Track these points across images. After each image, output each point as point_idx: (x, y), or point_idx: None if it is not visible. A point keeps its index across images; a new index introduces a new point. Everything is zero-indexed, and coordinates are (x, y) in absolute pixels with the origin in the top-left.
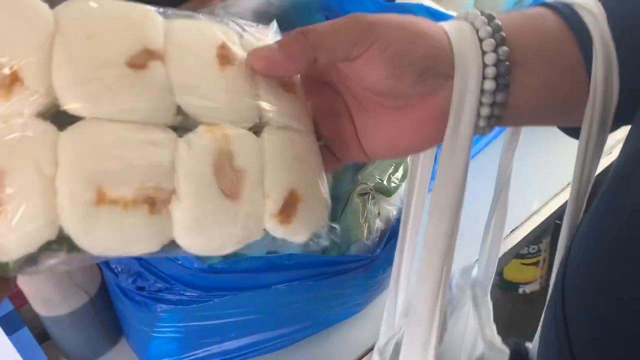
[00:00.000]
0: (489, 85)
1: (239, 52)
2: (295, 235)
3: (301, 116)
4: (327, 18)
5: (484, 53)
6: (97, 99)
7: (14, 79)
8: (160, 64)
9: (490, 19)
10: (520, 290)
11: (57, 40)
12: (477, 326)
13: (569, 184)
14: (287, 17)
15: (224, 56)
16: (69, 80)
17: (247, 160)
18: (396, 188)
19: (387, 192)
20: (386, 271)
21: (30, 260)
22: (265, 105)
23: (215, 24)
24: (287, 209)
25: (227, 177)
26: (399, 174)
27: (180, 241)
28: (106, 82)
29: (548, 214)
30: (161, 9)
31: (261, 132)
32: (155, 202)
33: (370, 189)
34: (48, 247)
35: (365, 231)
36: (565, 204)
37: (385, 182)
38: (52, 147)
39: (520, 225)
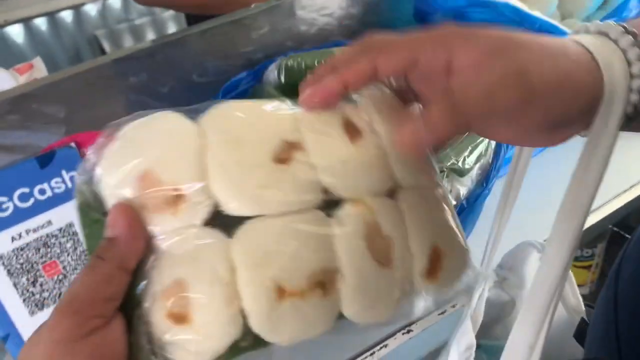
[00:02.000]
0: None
1: (361, 123)
2: (443, 288)
3: (425, 168)
4: (420, 12)
5: (631, 76)
6: (254, 198)
7: (178, 196)
8: (301, 153)
9: (634, 36)
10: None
11: (208, 153)
12: None
13: (632, 186)
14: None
15: (352, 131)
16: (226, 186)
17: (392, 227)
18: (469, 170)
19: (461, 173)
20: None
21: None
22: (395, 169)
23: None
24: (433, 266)
25: (378, 247)
26: (473, 157)
27: (348, 314)
28: (260, 180)
29: (605, 215)
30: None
31: (395, 194)
32: (325, 285)
33: (446, 168)
34: (237, 348)
35: None
36: (624, 207)
37: (460, 164)
38: (226, 253)
39: None
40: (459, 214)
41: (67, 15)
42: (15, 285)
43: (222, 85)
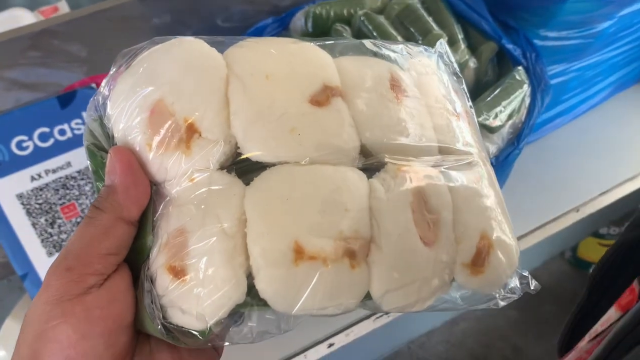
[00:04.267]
0: None
1: (409, 82)
2: (486, 287)
3: (476, 143)
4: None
5: None
6: (281, 140)
7: (191, 132)
8: (341, 100)
9: None
10: (592, 270)
11: (232, 84)
12: None
13: None
14: None
15: (397, 88)
16: (250, 123)
17: (441, 202)
18: (500, 127)
19: (491, 129)
20: None
21: (224, 326)
22: (444, 137)
23: (378, 59)
24: (480, 257)
25: (423, 222)
26: (504, 114)
27: (378, 295)
28: (289, 121)
29: (634, 189)
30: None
31: (440, 167)
32: (355, 255)
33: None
34: (236, 312)
35: None
36: None
37: (491, 119)
38: (239, 202)
39: (607, 191)
40: None
41: None
42: (33, 225)
43: (246, 31)
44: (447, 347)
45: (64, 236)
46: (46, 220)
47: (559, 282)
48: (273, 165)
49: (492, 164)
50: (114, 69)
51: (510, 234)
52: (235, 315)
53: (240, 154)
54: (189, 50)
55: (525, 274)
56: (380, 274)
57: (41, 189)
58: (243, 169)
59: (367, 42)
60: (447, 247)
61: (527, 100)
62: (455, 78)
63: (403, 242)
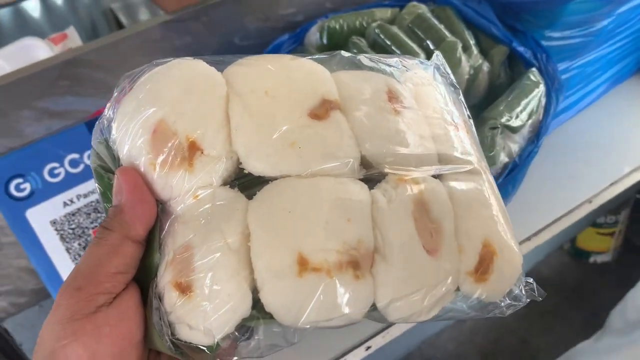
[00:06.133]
0: None
1: (406, 94)
2: (490, 294)
3: (475, 152)
4: None
5: None
6: (282, 154)
7: (193, 150)
8: (340, 113)
9: None
10: (592, 260)
11: (232, 101)
12: None
13: None
14: None
15: (395, 100)
16: (251, 139)
17: (442, 210)
18: (521, 127)
19: (514, 130)
20: (505, 197)
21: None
22: (442, 147)
23: (375, 73)
24: (483, 264)
25: (426, 231)
26: (525, 114)
27: (382, 305)
28: (290, 135)
29: (632, 182)
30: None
31: (440, 177)
32: (360, 265)
33: (500, 124)
34: (243, 327)
35: (495, 161)
36: None
37: (513, 120)
38: (243, 217)
39: (616, 181)
40: (510, 171)
41: None
42: (67, 250)
43: (264, 48)
44: (456, 345)
45: None
46: (79, 244)
47: (560, 273)
48: (275, 179)
49: (515, 163)
50: (117, 92)
51: (512, 241)
52: (243, 329)
53: (242, 169)
54: (189, 70)
55: (530, 280)
56: (384, 284)
57: (73, 214)
58: (245, 183)
59: (363, 57)
60: (450, 256)
61: (544, 100)
62: (452, 89)
63: (406, 252)
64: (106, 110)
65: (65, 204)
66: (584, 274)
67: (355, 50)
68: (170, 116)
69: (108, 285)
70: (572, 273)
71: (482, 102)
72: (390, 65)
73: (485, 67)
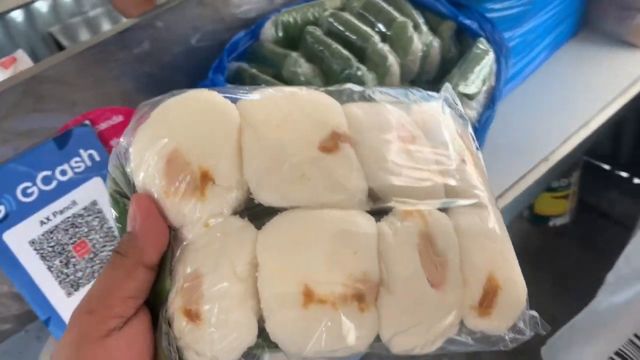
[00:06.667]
0: None
1: (414, 127)
2: (494, 329)
3: (482, 185)
4: None
5: None
6: (291, 186)
7: (206, 179)
8: (349, 146)
9: None
10: (551, 223)
11: (245, 132)
12: None
13: (599, 111)
14: None
15: (403, 133)
16: (262, 170)
17: (447, 243)
18: (477, 93)
19: (470, 97)
20: None
21: None
22: (449, 180)
23: (384, 105)
24: (487, 298)
25: (431, 264)
26: (479, 81)
27: (386, 338)
28: (300, 167)
29: (576, 144)
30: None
31: (448, 211)
32: (365, 298)
33: (457, 93)
34: (249, 354)
35: None
36: (593, 134)
37: (468, 87)
38: (251, 247)
39: (567, 139)
40: None
41: (17, 15)
42: (49, 268)
43: (221, 48)
44: None
45: (79, 274)
46: (60, 261)
47: (522, 239)
48: (284, 209)
49: (475, 128)
50: (134, 120)
51: (517, 275)
52: (249, 357)
53: (253, 199)
54: (204, 101)
55: (534, 314)
56: (389, 317)
57: (52, 232)
58: (256, 213)
59: (373, 91)
60: (455, 289)
61: (494, 66)
62: (461, 120)
63: (411, 285)
64: (123, 137)
65: (42, 223)
66: (545, 237)
67: (312, 40)
68: (183, 146)
69: (120, 309)
70: (533, 238)
71: (437, 77)
72: (398, 98)
73: (436, 43)
